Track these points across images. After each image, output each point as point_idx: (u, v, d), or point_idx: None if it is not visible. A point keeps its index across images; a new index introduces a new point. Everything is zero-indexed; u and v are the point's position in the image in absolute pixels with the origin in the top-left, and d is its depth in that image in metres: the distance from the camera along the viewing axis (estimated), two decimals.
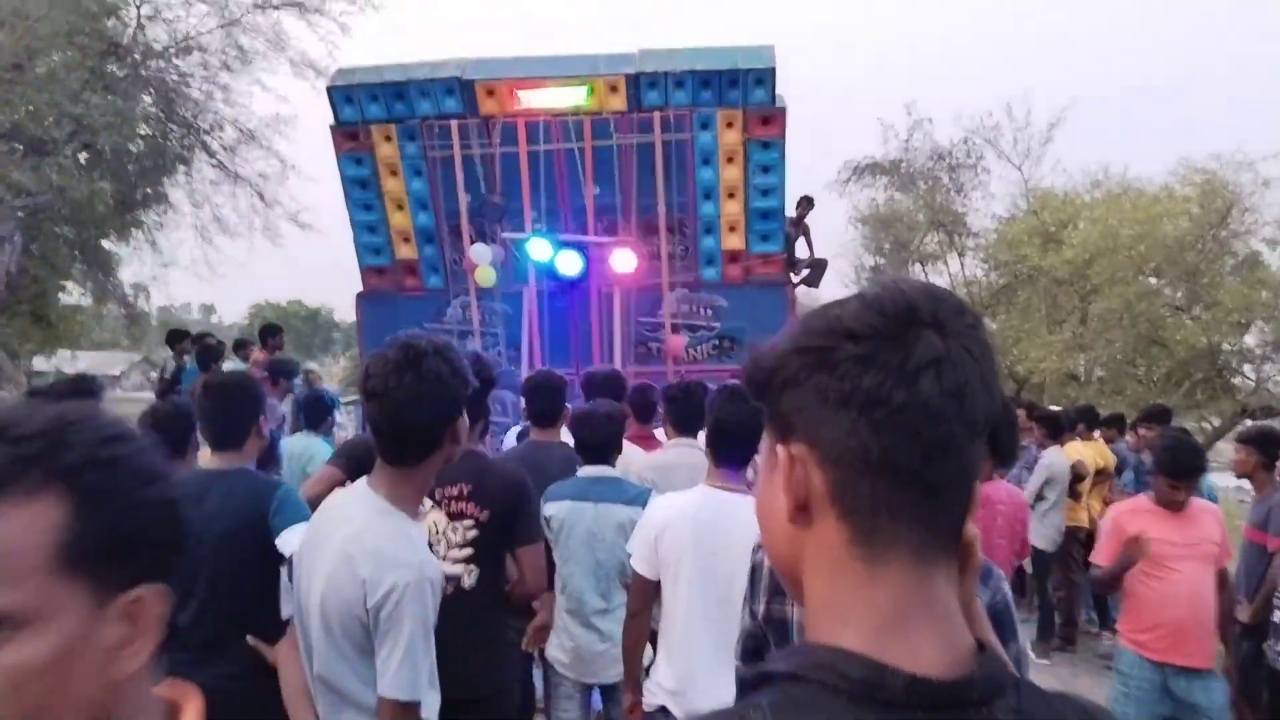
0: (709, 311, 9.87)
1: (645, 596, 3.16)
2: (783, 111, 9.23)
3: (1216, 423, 17.32)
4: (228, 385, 3.37)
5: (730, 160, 9.31)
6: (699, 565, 2.97)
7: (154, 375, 10.41)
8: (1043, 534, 7.97)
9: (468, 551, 3.10)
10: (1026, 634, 8.10)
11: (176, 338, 10.48)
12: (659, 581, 3.08)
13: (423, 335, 2.24)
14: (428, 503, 3.12)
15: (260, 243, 14.95)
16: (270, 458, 5.08)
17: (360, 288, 10.22)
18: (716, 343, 9.89)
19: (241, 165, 13.93)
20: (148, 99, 11.70)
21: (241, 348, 11.27)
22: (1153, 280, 17.04)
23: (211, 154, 13.70)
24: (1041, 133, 23.19)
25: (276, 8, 12.82)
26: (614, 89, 9.18)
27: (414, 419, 2.16)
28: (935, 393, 0.80)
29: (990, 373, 0.85)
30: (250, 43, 12.99)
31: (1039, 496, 7.93)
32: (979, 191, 24.95)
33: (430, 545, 3.11)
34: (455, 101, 9.31)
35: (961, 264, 25.01)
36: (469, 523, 3.11)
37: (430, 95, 9.31)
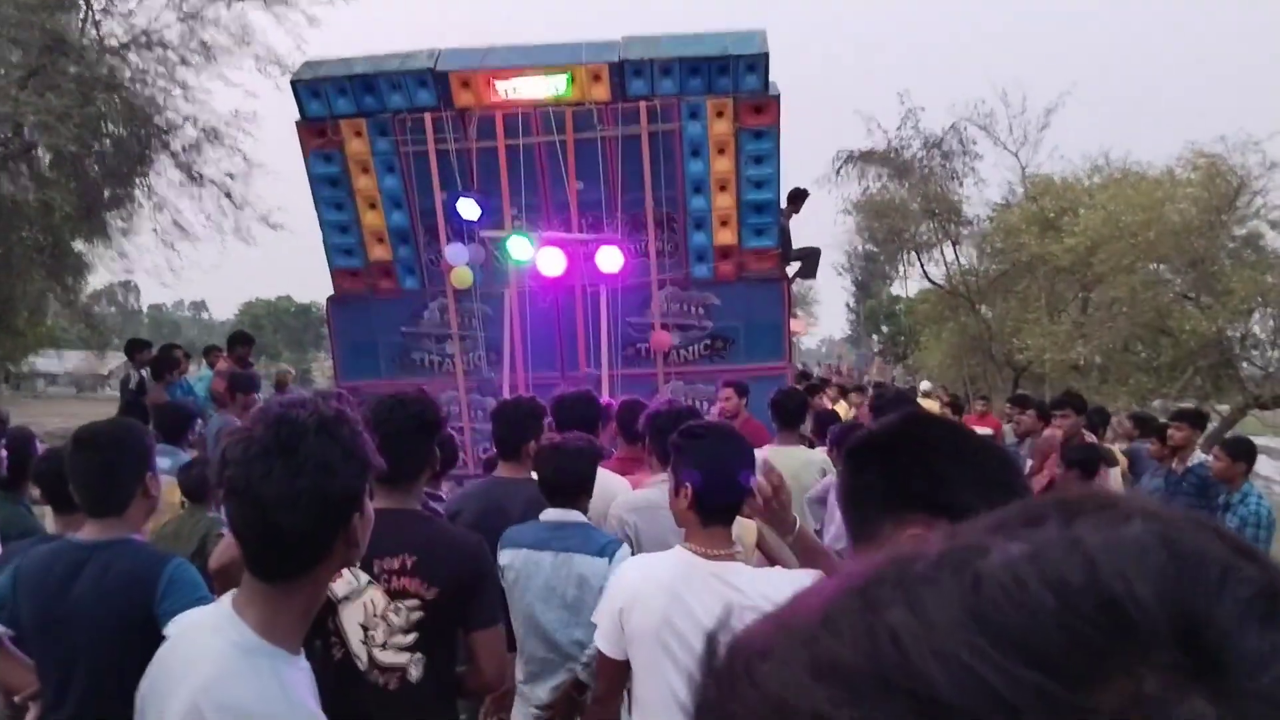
0: (701, 310, 9.36)
1: (611, 679, 2.65)
2: (776, 99, 8.71)
3: (1225, 411, 16.88)
4: (104, 437, 2.74)
5: (721, 151, 8.79)
6: (672, 649, 2.46)
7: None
8: None
9: (412, 638, 2.59)
10: None
11: (136, 347, 9.94)
12: (628, 662, 2.57)
13: (307, 404, 1.66)
14: (363, 577, 2.62)
15: (233, 245, 14.27)
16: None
17: (331, 291, 9.71)
18: (709, 343, 9.40)
19: (206, 165, 13.38)
20: (102, 98, 11.11)
21: (210, 353, 10.74)
22: (1157, 267, 16.57)
23: (174, 155, 13.12)
24: (1038, 118, 22.74)
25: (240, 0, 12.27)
26: (597, 78, 8.65)
27: (286, 524, 1.57)
28: None
29: None
30: (213, 37, 12.45)
31: None
32: (972, 179, 24.60)
33: (366, 630, 2.61)
34: (428, 94, 8.78)
35: (956, 252, 24.62)
36: (413, 603, 2.59)
37: (402, 88, 8.78)
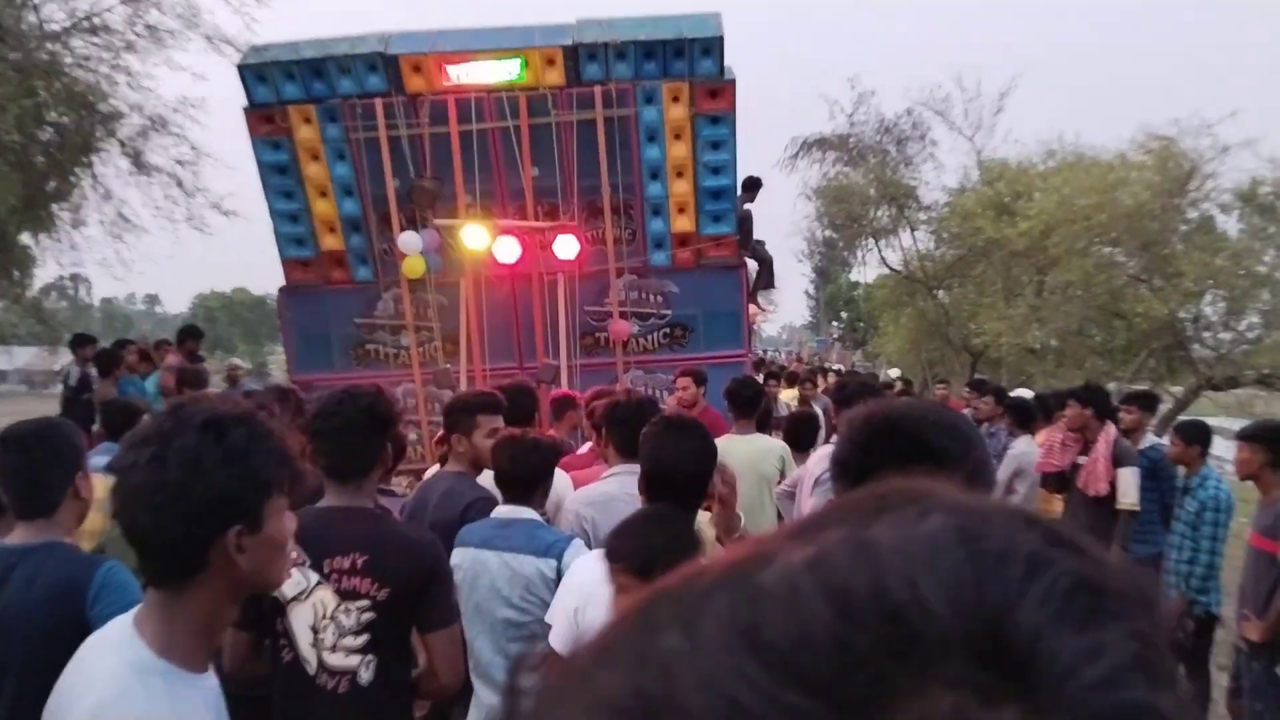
0: (659, 298, 9.28)
1: None
2: (732, 83, 8.64)
3: (1179, 393, 17.10)
4: (32, 437, 2.59)
5: (678, 137, 8.70)
6: None
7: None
8: None
9: (363, 639, 2.49)
10: None
11: (80, 342, 9.66)
12: None
13: (227, 398, 1.53)
14: (313, 577, 2.51)
15: (187, 236, 13.84)
16: None
17: (283, 281, 9.51)
18: (668, 331, 9.32)
19: (154, 153, 13.01)
20: (41, 85, 10.75)
21: (160, 348, 10.48)
22: (1110, 250, 16.70)
23: (121, 143, 12.75)
24: (993, 103, 22.88)
25: None
26: (550, 62, 8.52)
27: (141, 520, 1.45)
28: None
29: None
30: (158, 18, 12.09)
31: (1008, 490, 7.47)
32: (929, 164, 24.74)
33: (316, 632, 2.50)
34: (379, 79, 8.59)
35: (914, 238, 24.75)
36: (364, 603, 2.49)
37: (351, 72, 8.58)
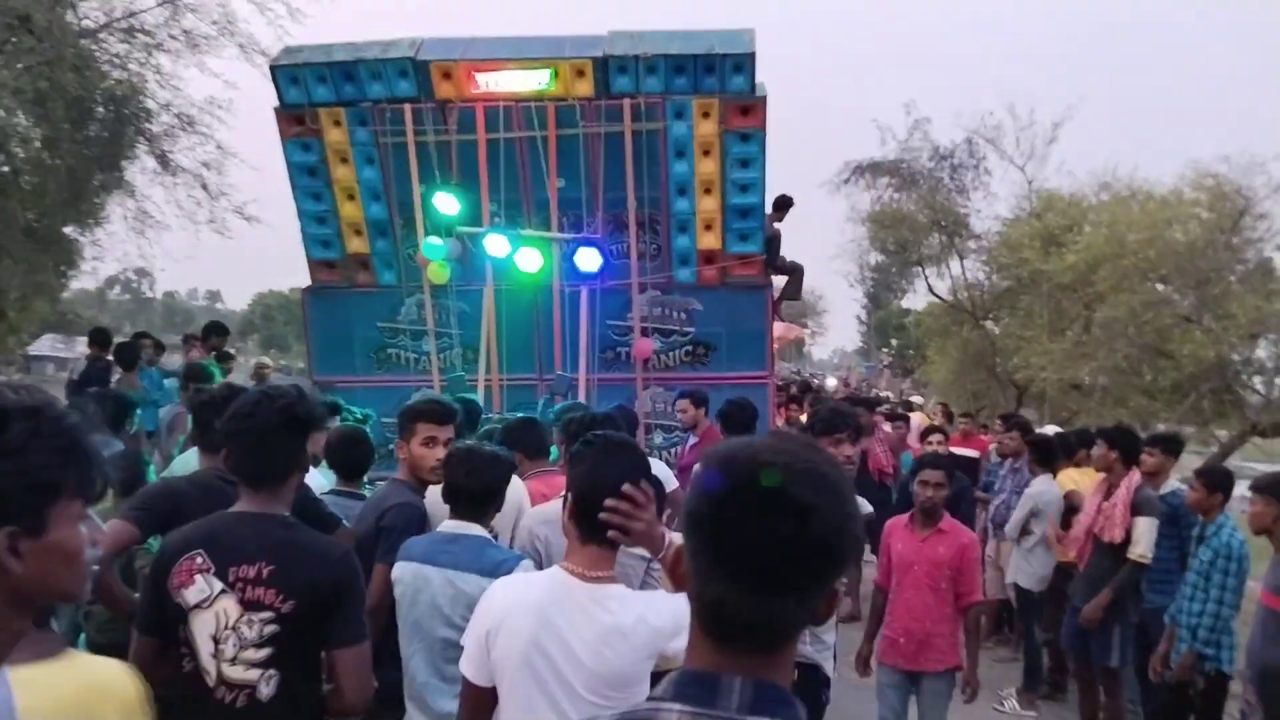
0: (682, 315, 9.16)
1: (475, 708, 2.40)
2: (763, 101, 8.51)
3: (1225, 437, 16.54)
4: None
5: (706, 153, 8.59)
6: (541, 676, 2.25)
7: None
8: (1028, 572, 7.27)
9: (265, 653, 2.39)
10: (1012, 681, 7.39)
11: (99, 336, 9.72)
12: (494, 689, 2.35)
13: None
14: (216, 585, 2.41)
15: (208, 236, 13.91)
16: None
17: (309, 281, 9.55)
18: (690, 349, 9.19)
19: (180, 153, 13.14)
20: (72, 78, 10.90)
21: (189, 342, 10.57)
22: (1160, 287, 16.23)
23: (149, 141, 12.90)
24: (1046, 132, 22.41)
25: None
26: (580, 73, 8.46)
27: None
28: None
29: None
30: (194, 23, 12.26)
31: (1024, 531, 7.23)
32: (980, 192, 24.31)
33: (217, 643, 2.41)
34: (409, 84, 8.60)
35: (963, 267, 24.31)
36: (267, 615, 2.39)
37: (382, 77, 8.60)
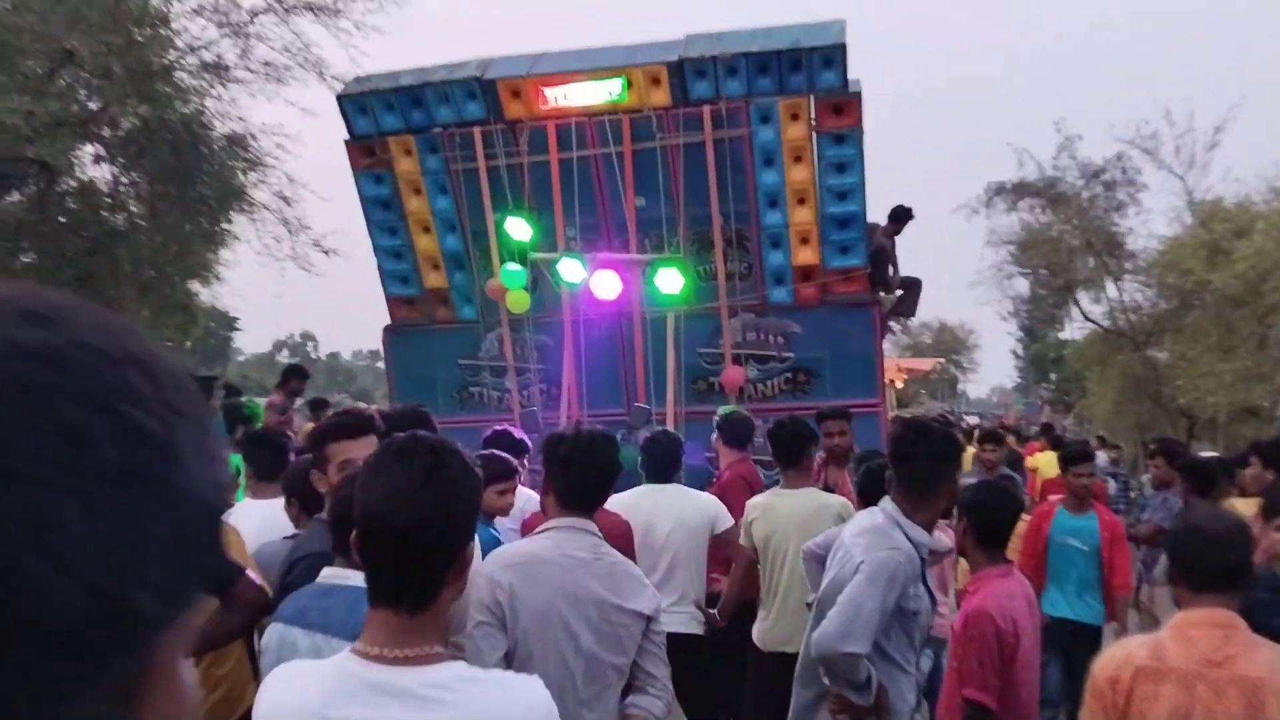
0: (779, 339, 8.33)
1: None
2: (858, 97, 7.69)
3: None
4: None
5: (798, 159, 7.82)
6: None
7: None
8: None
9: None
10: None
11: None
12: None
13: None
14: None
15: (293, 272, 13.79)
16: None
17: (388, 320, 9.16)
18: (790, 375, 8.34)
19: (255, 189, 13.03)
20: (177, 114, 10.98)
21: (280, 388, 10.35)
22: None
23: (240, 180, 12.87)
24: (1207, 137, 20.56)
25: (290, 10, 11.93)
26: (655, 81, 7.84)
27: None
28: None
29: None
30: (268, 53, 12.22)
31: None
32: (1134, 208, 22.52)
33: None
34: (477, 105, 8.17)
35: (1119, 289, 22.50)
36: None
37: (450, 99, 8.19)
